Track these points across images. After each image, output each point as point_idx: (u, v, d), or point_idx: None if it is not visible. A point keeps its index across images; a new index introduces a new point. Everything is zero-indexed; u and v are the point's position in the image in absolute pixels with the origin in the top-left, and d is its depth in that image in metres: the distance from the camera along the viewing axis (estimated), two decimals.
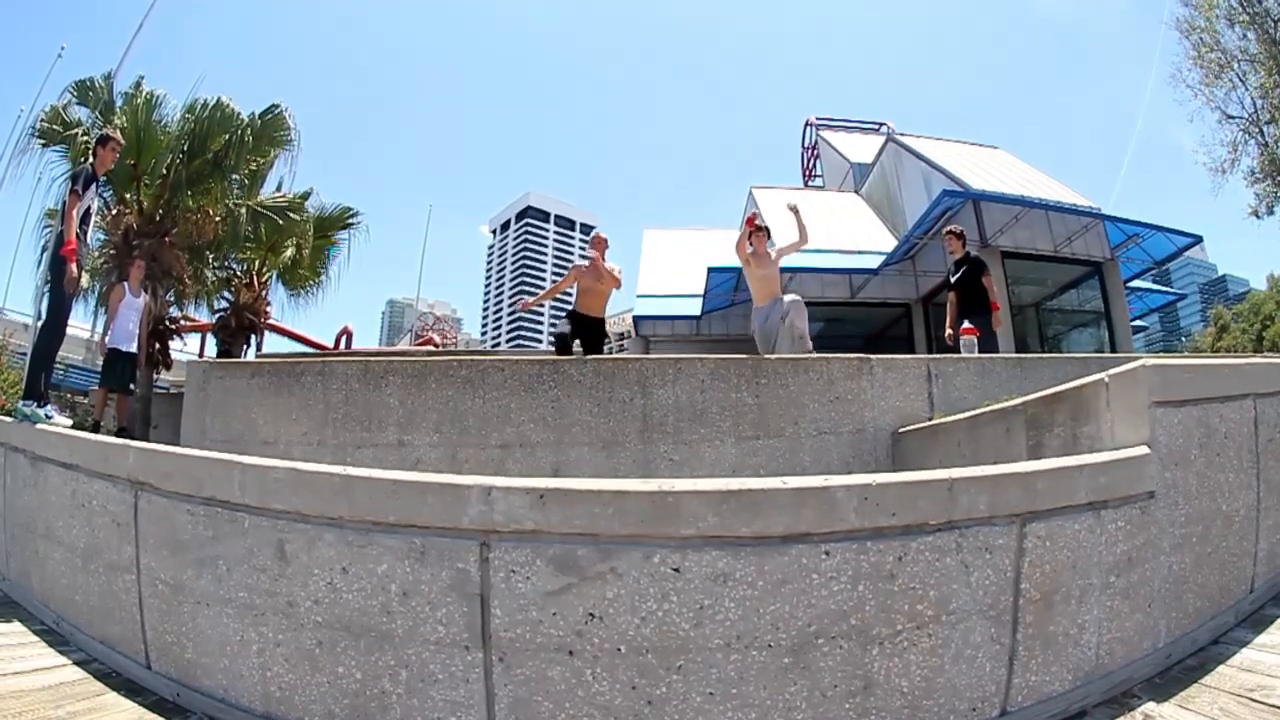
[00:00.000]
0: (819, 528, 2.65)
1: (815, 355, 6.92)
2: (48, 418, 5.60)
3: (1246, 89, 23.39)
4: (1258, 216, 23.83)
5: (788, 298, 8.98)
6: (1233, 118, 23.65)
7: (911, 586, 2.72)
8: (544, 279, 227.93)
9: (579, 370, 6.26)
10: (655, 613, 2.58)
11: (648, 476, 5.80)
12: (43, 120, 15.46)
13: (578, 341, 9.18)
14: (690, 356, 6.45)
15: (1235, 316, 60.62)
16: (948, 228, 11.12)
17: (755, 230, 9.47)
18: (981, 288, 10.19)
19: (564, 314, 9.47)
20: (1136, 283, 24.54)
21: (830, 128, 41.32)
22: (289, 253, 18.20)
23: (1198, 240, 21.03)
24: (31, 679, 3.43)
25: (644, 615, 2.59)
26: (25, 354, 18.22)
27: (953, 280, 10.55)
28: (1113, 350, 20.03)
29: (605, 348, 9.48)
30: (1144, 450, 3.32)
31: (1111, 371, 3.70)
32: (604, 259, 9.41)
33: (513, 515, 2.67)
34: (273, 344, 20.24)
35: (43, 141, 15.35)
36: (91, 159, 7.01)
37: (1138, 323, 28.65)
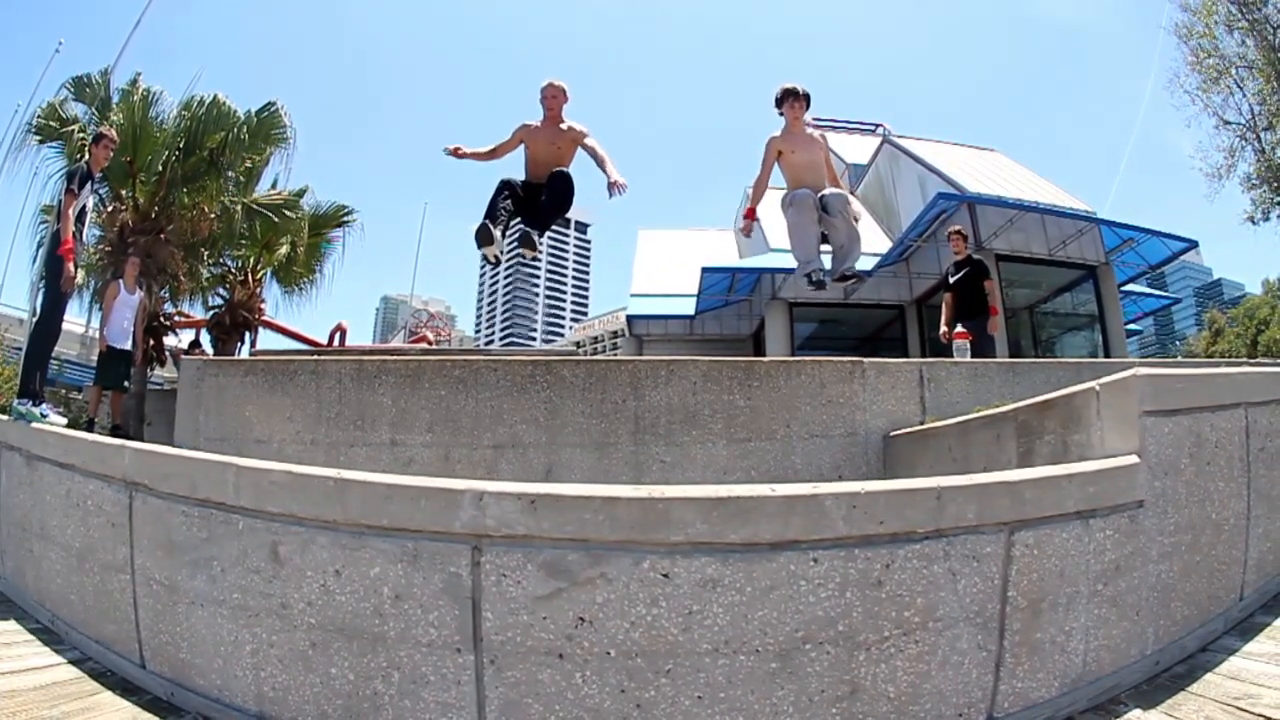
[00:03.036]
0: (808, 535, 2.68)
1: (808, 359, 6.90)
2: (43, 416, 5.60)
3: (1244, 95, 23.43)
4: (1253, 222, 23.86)
5: (829, 191, 6.86)
6: (1230, 123, 23.70)
7: (899, 594, 2.74)
8: (538, 276, 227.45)
9: (571, 371, 6.26)
10: (644, 617, 2.61)
11: (639, 478, 5.82)
12: (39, 116, 15.46)
13: (518, 219, 6.81)
14: (683, 358, 6.46)
15: (1230, 321, 60.64)
16: (953, 228, 11.10)
17: (788, 96, 7.05)
18: (980, 290, 10.21)
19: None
20: (1131, 286, 24.60)
21: (826, 128, 41.27)
22: (284, 250, 18.22)
23: (1193, 245, 21.09)
24: (26, 678, 3.44)
25: (633, 620, 2.61)
26: (20, 349, 18.23)
27: (951, 281, 10.55)
28: (1106, 354, 20.09)
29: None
30: (1133, 459, 3.33)
31: (1103, 380, 3.71)
32: (562, 117, 7.06)
33: (504, 520, 2.69)
34: (267, 341, 20.22)
35: (39, 138, 15.35)
36: (87, 157, 7.04)
37: (1132, 326, 28.68)
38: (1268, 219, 23.47)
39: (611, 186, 6.53)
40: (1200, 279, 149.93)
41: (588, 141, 6.91)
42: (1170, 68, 25.50)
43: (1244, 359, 34.55)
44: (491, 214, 6.45)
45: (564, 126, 7.00)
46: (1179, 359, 39.74)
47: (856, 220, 6.86)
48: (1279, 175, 22.85)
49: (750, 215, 7.35)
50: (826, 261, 6.96)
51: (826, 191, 6.83)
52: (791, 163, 7.05)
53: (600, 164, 6.74)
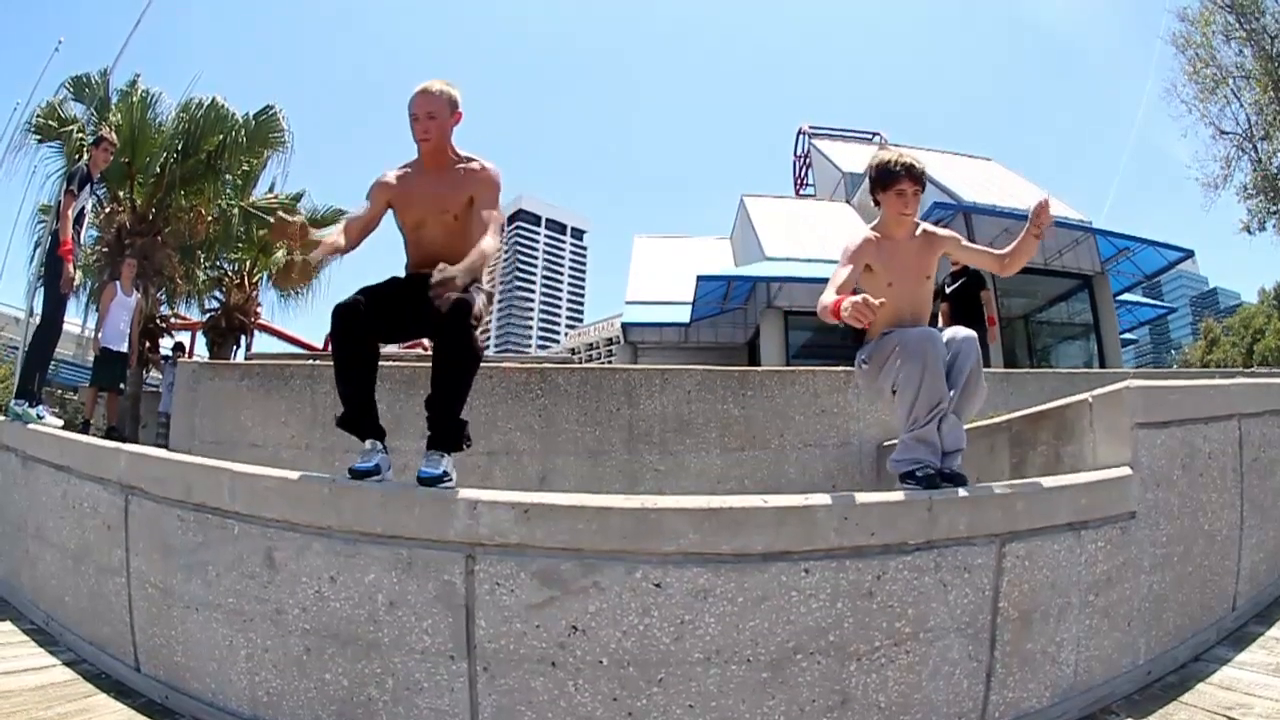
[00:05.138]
0: (799, 546, 2.71)
1: (802, 368, 6.87)
2: (39, 417, 5.61)
3: (1241, 105, 23.52)
4: (1249, 232, 23.95)
5: (958, 335, 3.82)
6: (1226, 133, 23.78)
7: (890, 604, 2.77)
8: (534, 282, 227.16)
9: (566, 379, 6.24)
10: (637, 626, 2.63)
11: (633, 486, 5.82)
12: (38, 116, 15.53)
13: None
14: (677, 367, 6.45)
15: (1225, 330, 60.71)
16: None
17: (898, 176, 3.98)
18: (976, 301, 10.21)
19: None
20: (1126, 296, 24.65)
21: (823, 136, 41.33)
22: (280, 254, 18.27)
23: (1189, 254, 21.17)
24: (21, 679, 3.44)
25: (625, 629, 2.63)
26: (16, 348, 18.23)
27: (948, 291, 10.56)
28: (1101, 364, 20.14)
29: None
30: (1125, 471, 3.35)
31: (1096, 392, 3.73)
32: (452, 149, 3.92)
33: (498, 529, 2.71)
34: (262, 344, 20.28)
35: (38, 137, 15.42)
36: (86, 158, 7.07)
37: (1127, 336, 28.75)
38: (1264, 229, 23.55)
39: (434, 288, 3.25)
40: (1196, 288, 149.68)
41: (489, 215, 3.81)
42: (1167, 77, 25.62)
43: (1239, 369, 34.62)
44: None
45: (460, 168, 3.90)
46: (1174, 369, 39.84)
47: None
48: (1275, 185, 22.93)
49: (837, 308, 3.38)
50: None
51: (962, 337, 3.82)
52: (880, 292, 3.78)
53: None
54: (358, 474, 3.31)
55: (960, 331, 3.88)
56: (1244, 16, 22.61)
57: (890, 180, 4.03)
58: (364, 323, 3.54)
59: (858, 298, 3.25)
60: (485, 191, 3.86)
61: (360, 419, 3.67)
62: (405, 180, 3.94)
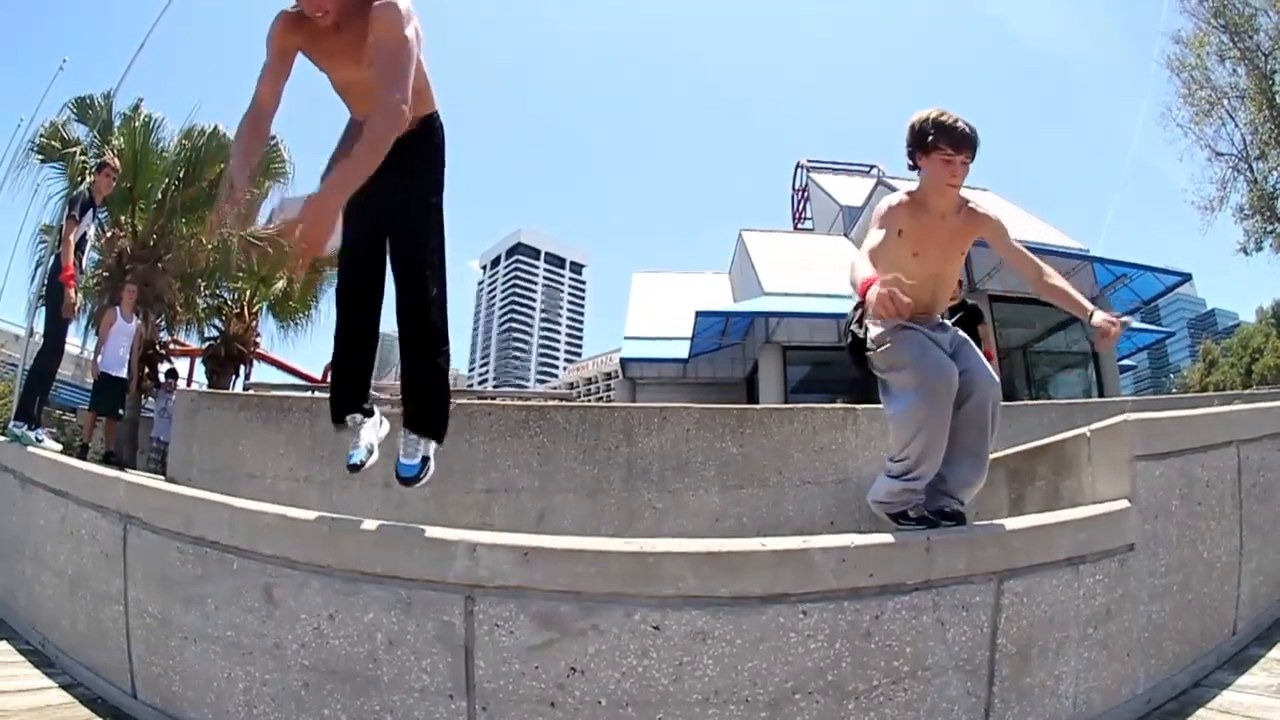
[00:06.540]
0: (797, 588, 2.71)
1: (800, 406, 6.83)
2: (38, 441, 5.62)
3: (1236, 125, 23.71)
4: (1246, 253, 24.10)
5: (981, 374, 3.60)
6: (1222, 155, 23.98)
7: (888, 644, 2.77)
8: (533, 316, 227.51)
9: (565, 417, 6.22)
10: (635, 668, 2.63)
11: (632, 524, 5.79)
12: (41, 135, 15.65)
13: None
14: (676, 405, 6.43)
15: (1224, 351, 60.85)
16: None
17: (943, 138, 3.39)
18: (974, 335, 10.17)
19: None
20: None
21: (821, 170, 41.41)
22: (280, 284, 18.31)
23: (1186, 278, 21.19)
24: (18, 699, 3.44)
25: (624, 670, 2.63)
26: (15, 365, 18.23)
27: None
28: (1100, 392, 20.14)
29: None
30: (1124, 504, 3.37)
31: (1094, 426, 3.75)
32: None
33: (498, 571, 2.72)
34: (261, 374, 20.29)
35: (41, 157, 15.49)
36: (89, 182, 7.10)
37: (1125, 362, 28.74)
38: (1260, 248, 23.70)
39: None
40: (1194, 310, 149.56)
41: (384, 57, 2.91)
42: (1163, 102, 25.76)
43: (1238, 390, 34.68)
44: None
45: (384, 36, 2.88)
46: (1173, 394, 39.84)
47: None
48: (1270, 205, 23.05)
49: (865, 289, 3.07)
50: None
51: (986, 381, 3.57)
52: (903, 263, 3.34)
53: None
54: (353, 467, 3.38)
55: (983, 371, 3.60)
56: (1238, 35, 22.79)
57: (935, 143, 3.42)
58: (365, 289, 3.43)
59: (884, 290, 2.84)
60: (380, 26, 2.89)
61: (349, 394, 3.59)
62: (314, 30, 3.05)
